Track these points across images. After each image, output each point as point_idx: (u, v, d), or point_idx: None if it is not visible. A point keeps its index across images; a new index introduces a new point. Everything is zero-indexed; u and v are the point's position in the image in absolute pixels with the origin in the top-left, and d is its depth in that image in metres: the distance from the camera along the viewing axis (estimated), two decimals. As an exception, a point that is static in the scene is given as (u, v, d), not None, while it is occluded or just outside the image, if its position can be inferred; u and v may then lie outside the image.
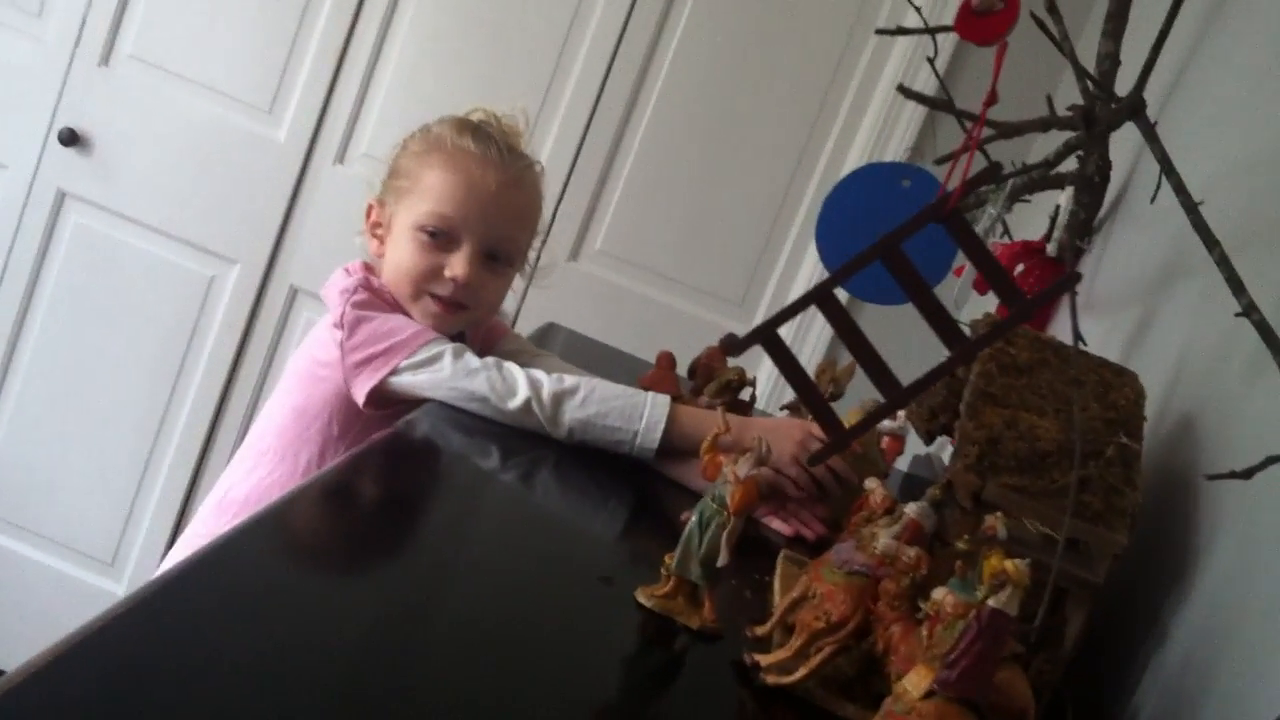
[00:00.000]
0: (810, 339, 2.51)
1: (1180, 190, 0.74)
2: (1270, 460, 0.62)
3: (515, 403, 1.30)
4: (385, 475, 1.14)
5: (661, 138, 2.54)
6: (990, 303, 1.64)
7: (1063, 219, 1.50)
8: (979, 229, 1.18)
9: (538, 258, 1.64)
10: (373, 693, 0.70)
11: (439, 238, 1.44)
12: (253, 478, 1.47)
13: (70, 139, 2.55)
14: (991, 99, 0.58)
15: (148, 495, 2.64)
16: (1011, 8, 0.64)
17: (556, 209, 2.55)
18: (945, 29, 0.85)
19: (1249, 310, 0.67)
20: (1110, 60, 1.41)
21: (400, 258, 1.46)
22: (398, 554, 0.96)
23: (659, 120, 2.53)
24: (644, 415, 1.31)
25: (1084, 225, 1.49)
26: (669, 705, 0.89)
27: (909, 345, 1.10)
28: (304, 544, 0.94)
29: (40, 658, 0.61)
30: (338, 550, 0.94)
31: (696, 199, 2.55)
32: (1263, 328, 0.66)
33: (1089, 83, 1.09)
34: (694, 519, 0.94)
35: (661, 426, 1.30)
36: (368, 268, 1.51)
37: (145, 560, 2.65)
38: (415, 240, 1.45)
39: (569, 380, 1.33)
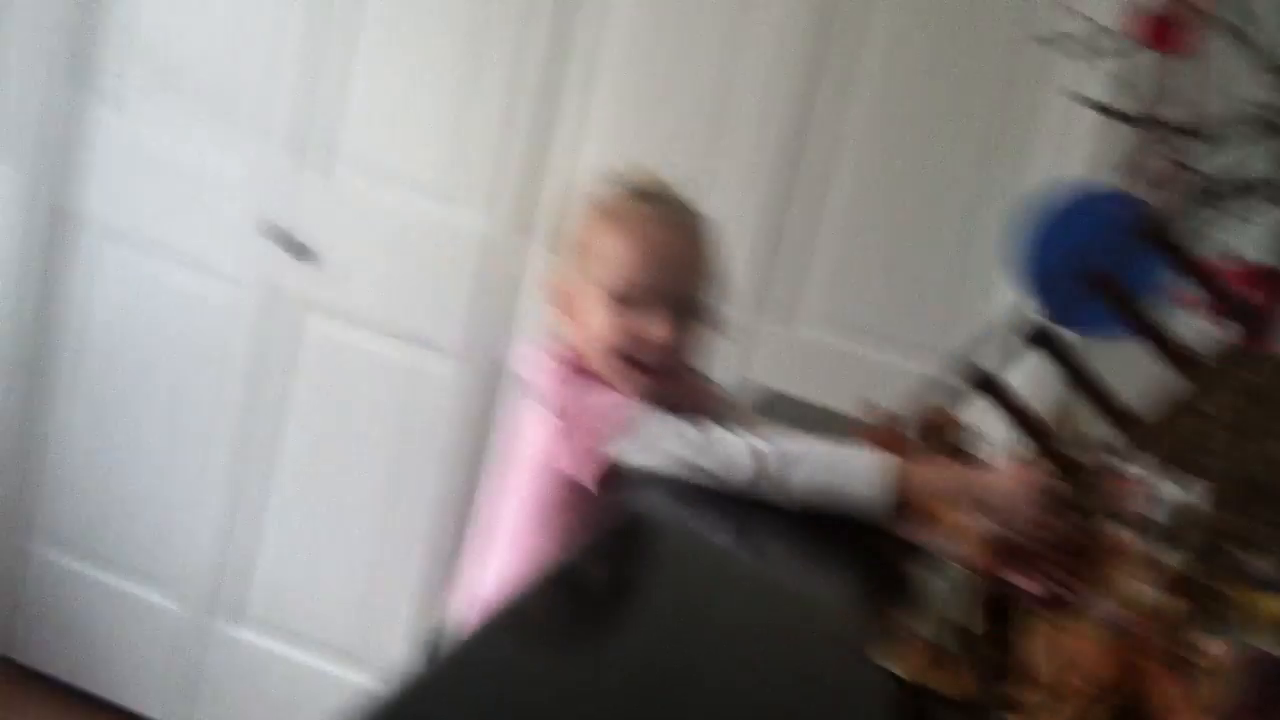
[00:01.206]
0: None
1: None
2: None
3: (742, 473, 1.30)
4: (618, 559, 1.15)
5: (863, 198, 2.51)
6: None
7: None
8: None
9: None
10: None
11: (629, 302, 1.45)
12: (494, 573, 1.52)
13: (296, 250, 2.69)
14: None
15: (401, 589, 2.73)
16: (1196, 14, 0.61)
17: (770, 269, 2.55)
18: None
19: None
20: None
21: (594, 330, 1.47)
22: (641, 636, 0.97)
23: (858, 181, 2.51)
24: (871, 474, 1.29)
25: None
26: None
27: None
28: (548, 634, 0.96)
29: None
30: (583, 637, 0.96)
31: (902, 254, 2.51)
32: None
33: None
34: (943, 584, 0.92)
35: (890, 483, 1.27)
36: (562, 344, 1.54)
37: (397, 650, 2.74)
38: (606, 308, 1.46)
39: (789, 444, 1.32)
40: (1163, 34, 0.61)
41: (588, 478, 1.38)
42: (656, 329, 1.45)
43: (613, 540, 1.17)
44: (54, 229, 2.87)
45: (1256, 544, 0.81)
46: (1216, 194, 0.86)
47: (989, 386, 1.01)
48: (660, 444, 1.34)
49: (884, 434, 1.40)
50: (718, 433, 1.34)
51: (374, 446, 2.72)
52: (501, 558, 1.52)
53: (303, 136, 2.71)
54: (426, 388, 2.70)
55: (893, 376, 2.47)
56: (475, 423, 2.67)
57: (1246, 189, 0.87)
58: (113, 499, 2.93)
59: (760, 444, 1.31)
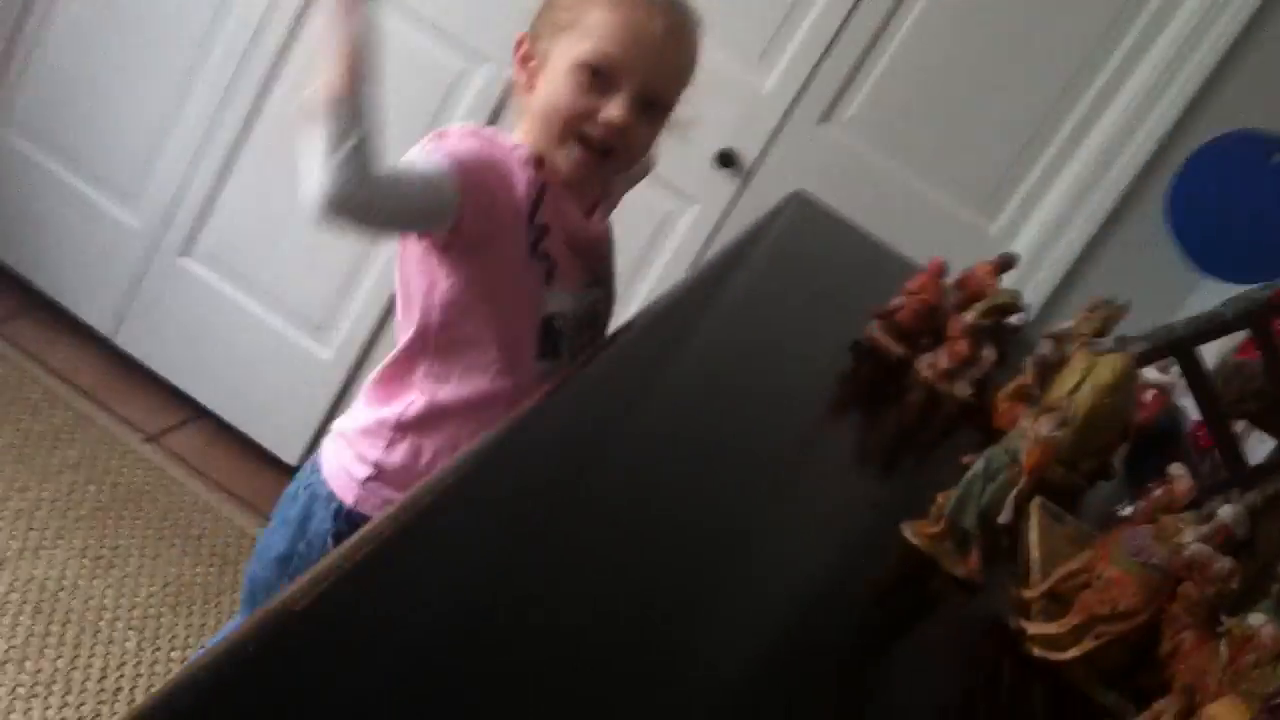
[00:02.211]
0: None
1: None
2: None
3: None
4: (610, 389, 1.11)
5: (938, 19, 2.41)
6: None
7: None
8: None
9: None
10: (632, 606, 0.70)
11: (599, 78, 1.36)
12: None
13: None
14: None
15: (366, 271, 2.69)
16: None
17: (818, 66, 2.46)
18: None
19: None
20: None
21: (554, 95, 1.37)
22: (646, 470, 0.95)
23: (938, 3, 2.40)
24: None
25: None
26: (921, 647, 0.88)
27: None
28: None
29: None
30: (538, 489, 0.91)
31: (964, 87, 2.43)
32: None
33: None
34: (979, 465, 0.91)
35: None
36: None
37: (354, 333, 2.72)
38: (573, 78, 1.36)
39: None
40: None
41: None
42: (614, 111, 1.36)
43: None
44: None
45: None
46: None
47: (1179, 350, 0.97)
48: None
49: (926, 281, 1.36)
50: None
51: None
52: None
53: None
54: (437, 81, 2.60)
55: (918, 205, 2.47)
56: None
57: None
58: (93, 107, 2.80)
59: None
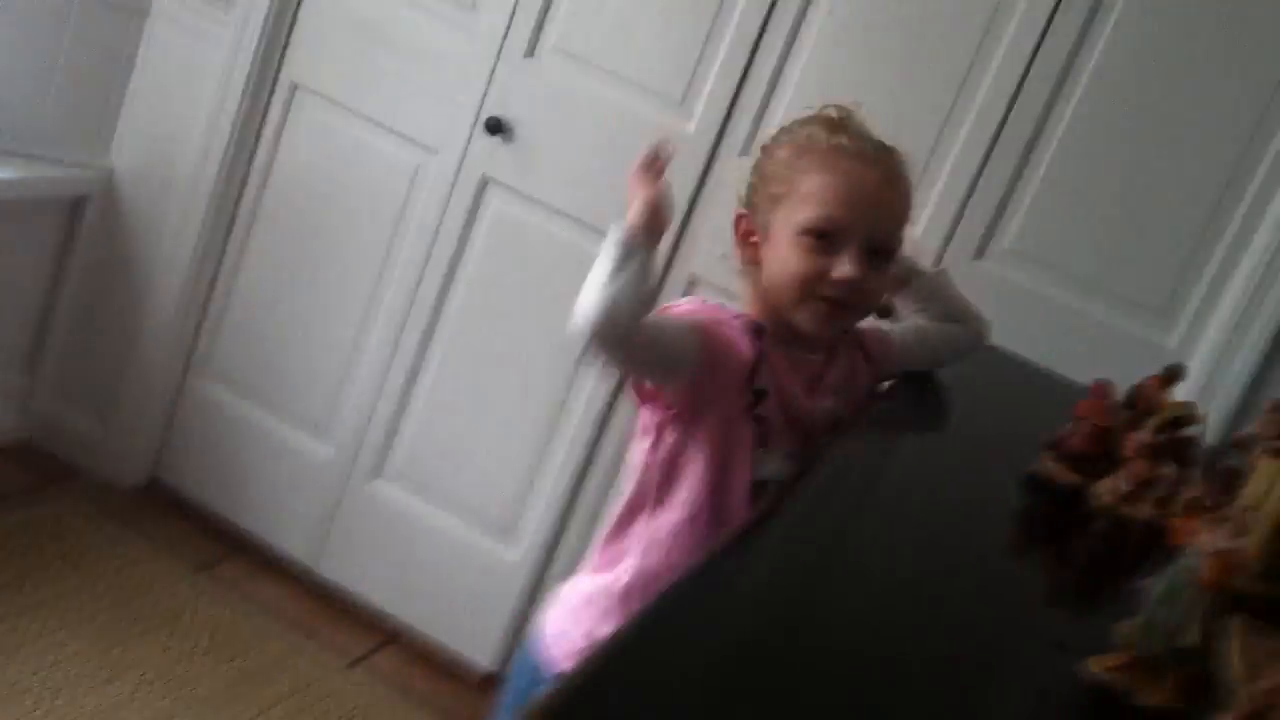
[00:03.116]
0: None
1: None
2: None
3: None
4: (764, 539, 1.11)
5: (1085, 135, 2.39)
6: None
7: None
8: None
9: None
10: None
11: (825, 240, 1.42)
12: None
13: (495, 127, 2.69)
14: None
15: (547, 469, 2.77)
16: None
17: (967, 202, 2.46)
18: None
19: None
20: None
21: (785, 263, 1.44)
22: (820, 618, 0.94)
23: (1083, 114, 2.39)
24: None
25: None
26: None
27: None
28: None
29: None
30: (724, 635, 0.92)
31: (1119, 200, 2.39)
32: None
33: None
34: (1160, 587, 0.87)
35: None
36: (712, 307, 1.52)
37: (539, 529, 2.78)
38: (799, 245, 1.43)
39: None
40: None
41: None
42: (847, 268, 1.42)
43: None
44: (262, 88, 2.91)
45: None
46: None
47: None
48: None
49: (1095, 405, 1.33)
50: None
51: (543, 326, 2.73)
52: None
53: (510, 15, 2.69)
54: (397, 175, 2.77)
55: (1092, 330, 2.41)
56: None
57: None
58: (283, 346, 3.01)
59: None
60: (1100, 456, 1.33)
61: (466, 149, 2.76)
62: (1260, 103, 2.29)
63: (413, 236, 2.83)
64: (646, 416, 1.47)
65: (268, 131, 2.94)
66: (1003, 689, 0.91)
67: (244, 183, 2.97)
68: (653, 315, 1.36)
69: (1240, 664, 0.93)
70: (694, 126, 2.58)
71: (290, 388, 3.01)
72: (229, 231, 3.00)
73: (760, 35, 2.53)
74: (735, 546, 1.01)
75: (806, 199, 1.43)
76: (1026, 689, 0.91)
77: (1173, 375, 1.40)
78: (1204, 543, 0.84)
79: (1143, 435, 1.31)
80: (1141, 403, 1.38)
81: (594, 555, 1.55)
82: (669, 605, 0.83)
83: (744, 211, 1.51)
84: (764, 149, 1.53)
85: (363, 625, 2.89)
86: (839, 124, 1.49)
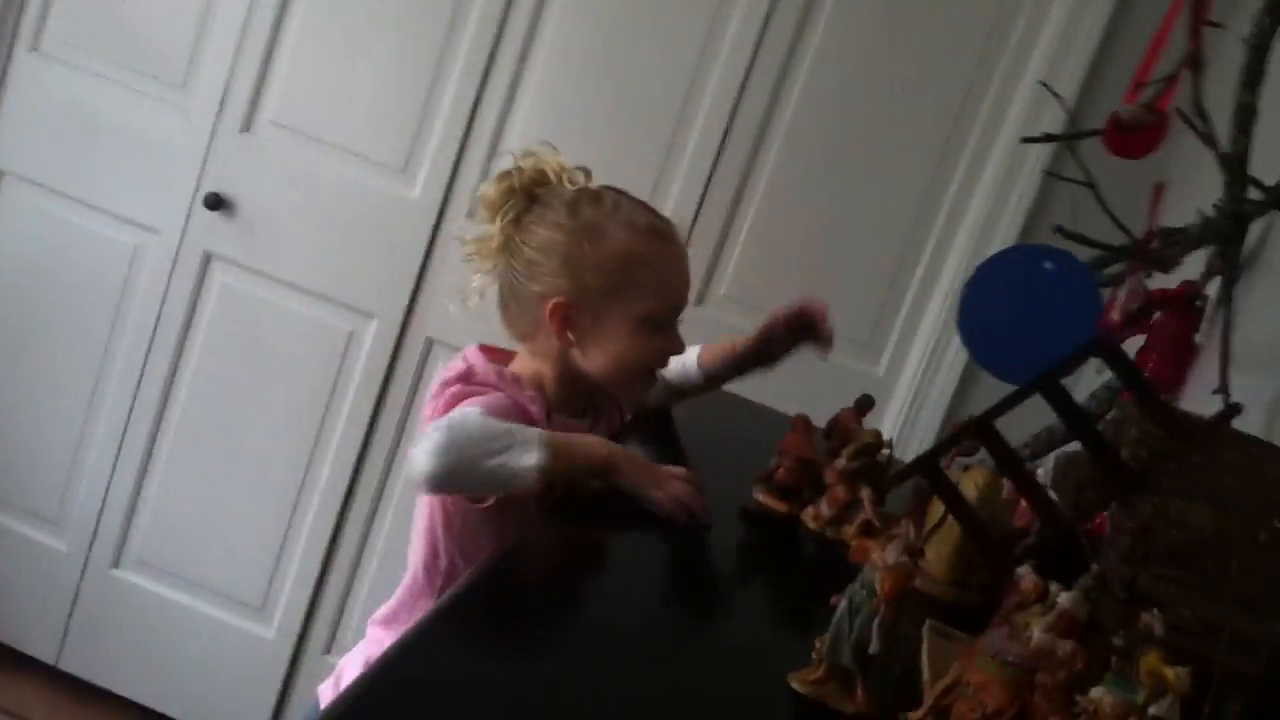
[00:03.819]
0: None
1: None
2: None
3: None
4: (513, 583, 1.15)
5: (785, 185, 2.56)
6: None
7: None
8: (1120, 298, 1.18)
9: None
10: None
11: (662, 324, 1.51)
12: (399, 591, 1.55)
13: (215, 204, 2.65)
14: (1149, 238, 0.59)
15: (294, 543, 2.73)
16: (1161, 122, 0.65)
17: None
18: (1094, 133, 0.85)
19: None
20: (1248, 111, 1.39)
21: (622, 352, 1.50)
22: (551, 655, 0.98)
23: (782, 168, 2.55)
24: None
25: (1229, 276, 1.47)
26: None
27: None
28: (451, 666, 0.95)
29: None
30: (478, 670, 0.95)
31: (820, 245, 2.56)
32: None
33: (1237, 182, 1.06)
34: (844, 604, 0.95)
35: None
36: (487, 351, 1.54)
37: (292, 605, 2.73)
38: (638, 332, 1.50)
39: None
40: (1124, 140, 0.64)
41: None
42: (678, 343, 1.54)
43: (501, 573, 1.15)
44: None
45: (1156, 601, 0.85)
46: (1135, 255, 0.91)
47: (983, 431, 1.03)
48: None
49: (796, 439, 1.43)
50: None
51: (280, 399, 2.70)
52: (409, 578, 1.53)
53: (224, 92, 2.66)
54: (337, 346, 2.68)
55: (805, 364, 2.55)
56: (383, 381, 2.67)
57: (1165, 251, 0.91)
58: (3, 441, 2.86)
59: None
60: (805, 485, 1.43)
61: (186, 226, 2.71)
62: (936, 151, 2.50)
63: (136, 318, 2.75)
64: (441, 504, 1.45)
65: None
66: (726, 709, 0.97)
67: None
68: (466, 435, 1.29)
69: (928, 665, 1.02)
70: (418, 193, 2.62)
71: (19, 483, 2.87)
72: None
73: (478, 100, 2.59)
74: (466, 596, 1.04)
75: (643, 292, 1.49)
76: (735, 710, 0.97)
77: (863, 406, 1.51)
78: (876, 560, 0.93)
79: (839, 463, 1.41)
80: (838, 433, 1.48)
81: (374, 629, 1.56)
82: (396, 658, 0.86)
83: (561, 301, 1.48)
84: (568, 238, 1.50)
85: (117, 715, 2.77)
86: (643, 209, 1.55)
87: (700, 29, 2.52)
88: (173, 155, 2.70)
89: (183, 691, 2.79)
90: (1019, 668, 0.84)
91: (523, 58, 2.58)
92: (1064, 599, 0.86)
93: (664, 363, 1.55)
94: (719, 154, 2.55)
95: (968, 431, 0.92)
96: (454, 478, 1.26)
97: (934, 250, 2.55)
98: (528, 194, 1.53)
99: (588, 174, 1.57)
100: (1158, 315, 1.61)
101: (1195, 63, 0.68)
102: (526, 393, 1.48)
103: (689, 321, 1.85)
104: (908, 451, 2.13)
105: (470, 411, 1.31)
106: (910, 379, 2.54)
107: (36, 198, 2.78)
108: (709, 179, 2.56)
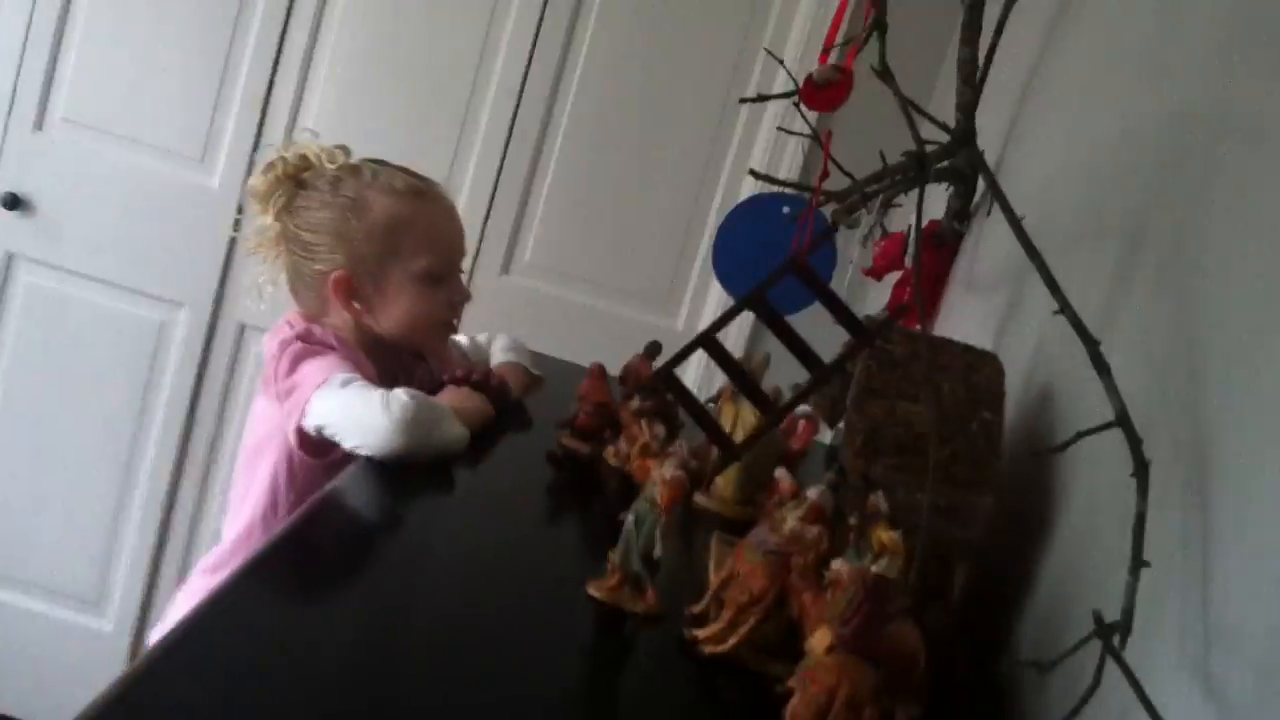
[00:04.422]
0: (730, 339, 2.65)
1: (1006, 209, 0.87)
2: (1078, 435, 0.76)
3: (396, 428, 1.32)
4: (339, 524, 1.23)
5: (578, 153, 2.66)
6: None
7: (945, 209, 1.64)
8: (860, 234, 1.32)
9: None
10: (361, 703, 0.82)
11: (442, 278, 1.59)
12: (230, 532, 1.58)
13: (12, 203, 2.61)
14: (824, 176, 0.71)
15: (125, 534, 2.73)
16: (847, 78, 0.76)
17: (485, 226, 2.65)
18: (793, 93, 0.96)
19: (1063, 308, 0.80)
20: (970, 65, 1.55)
21: (411, 308, 1.58)
22: (366, 589, 1.07)
23: (573, 137, 2.65)
24: (451, 416, 1.39)
25: (960, 213, 1.63)
26: (625, 682, 1.02)
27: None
28: (279, 599, 1.03)
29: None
30: (307, 599, 1.03)
31: (616, 207, 2.68)
32: (1075, 323, 0.79)
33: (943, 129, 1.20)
34: (630, 518, 1.06)
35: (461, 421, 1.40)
36: (307, 318, 1.60)
37: (128, 595, 2.73)
38: (419, 289, 1.57)
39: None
40: (818, 95, 0.75)
41: (295, 443, 1.45)
42: (461, 290, 1.62)
43: (327, 510, 1.22)
44: None
45: (879, 483, 0.99)
46: (866, 195, 1.03)
47: (707, 342, 1.16)
48: (339, 400, 1.38)
49: (593, 385, 1.53)
50: (379, 392, 1.37)
51: (98, 390, 2.68)
52: (238, 520, 1.57)
53: (13, 91, 2.62)
54: (150, 336, 2.68)
55: (610, 322, 2.67)
56: (198, 368, 2.68)
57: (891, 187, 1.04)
58: None
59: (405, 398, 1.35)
60: (604, 427, 1.54)
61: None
62: (715, 116, 2.63)
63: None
64: (286, 458, 1.50)
65: None
66: (534, 627, 1.07)
67: None
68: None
69: (713, 566, 1.14)
70: (217, 182, 2.63)
71: None
72: None
73: (270, 89, 2.62)
74: (281, 545, 1.11)
75: (416, 250, 1.56)
76: (543, 619, 1.08)
77: (651, 351, 1.62)
78: (655, 475, 1.04)
79: (632, 404, 1.52)
80: (630, 378, 1.59)
81: (198, 579, 1.59)
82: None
83: (341, 275, 1.55)
84: (319, 216, 1.57)
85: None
86: (400, 171, 1.61)
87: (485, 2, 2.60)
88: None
89: (24, 690, 2.76)
90: (777, 554, 0.96)
91: (313, 40, 2.61)
92: (811, 492, 0.99)
93: (454, 313, 1.62)
94: (512, 125, 2.64)
95: (692, 348, 1.04)
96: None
97: (720, 207, 2.68)
98: (294, 180, 1.59)
99: (347, 152, 1.63)
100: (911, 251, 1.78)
101: (879, 26, 0.80)
102: (357, 357, 1.55)
103: (496, 291, 1.95)
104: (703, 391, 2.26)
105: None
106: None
107: None
108: (505, 150, 2.64)
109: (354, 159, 1.63)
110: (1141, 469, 0.72)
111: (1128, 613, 0.67)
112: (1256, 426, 0.70)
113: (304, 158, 1.60)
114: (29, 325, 2.69)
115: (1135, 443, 0.73)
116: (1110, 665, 0.69)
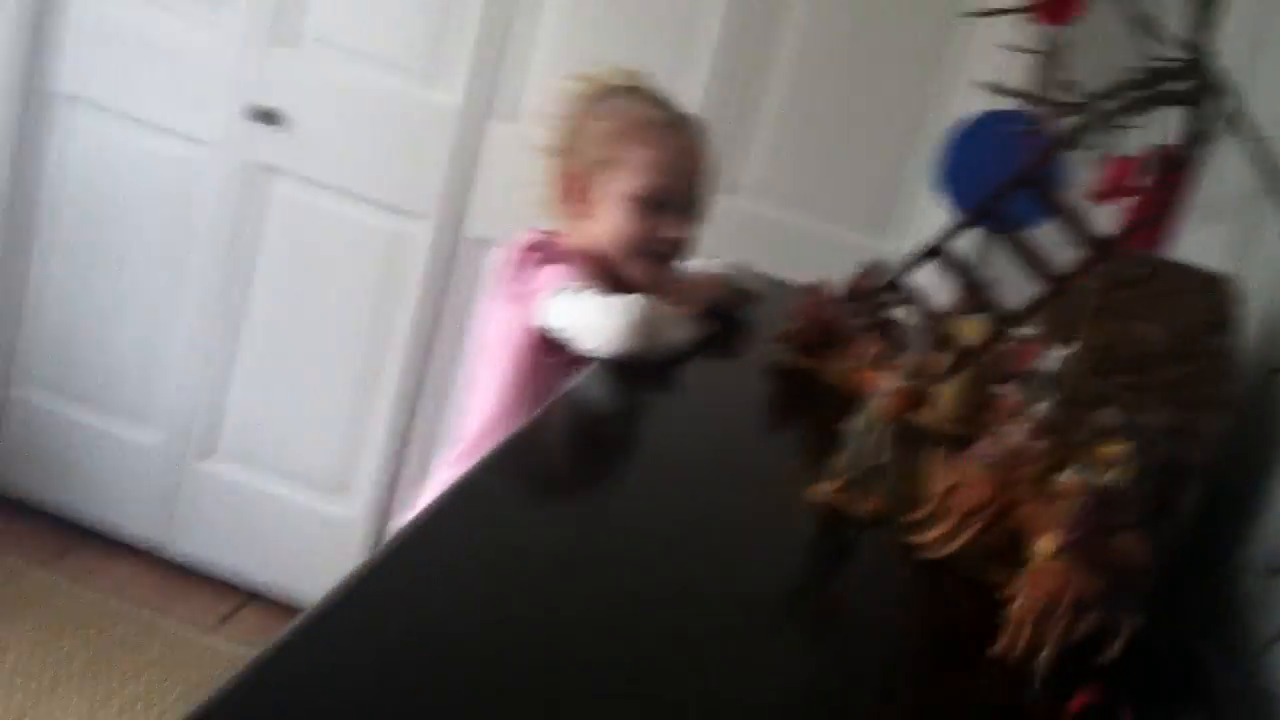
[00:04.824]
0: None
1: (1243, 130, 0.85)
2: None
3: (626, 329, 1.40)
4: (575, 424, 1.29)
5: (799, 76, 2.64)
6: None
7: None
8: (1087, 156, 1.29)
9: None
10: (588, 595, 0.87)
11: (652, 204, 1.62)
12: (470, 428, 1.68)
13: (267, 117, 2.77)
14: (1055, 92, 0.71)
15: (373, 429, 2.90)
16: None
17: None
18: (1026, 9, 0.95)
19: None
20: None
21: (616, 225, 1.63)
22: (597, 487, 1.13)
23: (794, 58, 2.64)
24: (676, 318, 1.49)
25: (1196, 135, 1.58)
26: (846, 581, 1.06)
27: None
28: (515, 495, 1.09)
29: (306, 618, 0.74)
30: (543, 496, 1.10)
31: (834, 132, 2.65)
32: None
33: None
34: (858, 424, 1.09)
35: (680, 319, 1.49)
36: (545, 233, 1.68)
37: (373, 485, 2.91)
38: (630, 208, 1.62)
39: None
40: (1051, 9, 0.74)
41: (532, 343, 1.54)
42: (676, 229, 1.64)
43: (561, 413, 1.29)
44: (28, 99, 2.93)
45: (1109, 400, 0.99)
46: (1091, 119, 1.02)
47: (939, 254, 1.18)
48: (576, 306, 1.46)
49: (810, 299, 1.55)
50: (614, 297, 1.45)
51: (344, 302, 2.86)
52: (477, 416, 1.67)
53: (272, 10, 2.76)
54: (392, 251, 2.82)
55: (828, 246, 2.66)
56: (437, 284, 2.81)
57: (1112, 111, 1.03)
58: (87, 343, 3.04)
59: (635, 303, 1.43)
60: (822, 342, 1.57)
61: (240, 140, 2.83)
62: (941, 22, 2.56)
63: (205, 226, 2.89)
64: (528, 357, 1.58)
65: (45, 141, 2.95)
66: (757, 528, 1.12)
67: (31, 196, 2.98)
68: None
69: (936, 476, 1.17)
70: (460, 100, 2.73)
71: (110, 385, 3.05)
72: (27, 246, 3.01)
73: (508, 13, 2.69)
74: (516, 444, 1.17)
75: (634, 170, 1.62)
76: (775, 523, 1.12)
77: (876, 269, 1.64)
78: (883, 387, 1.07)
79: (855, 320, 1.54)
80: (854, 294, 1.61)
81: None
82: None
83: (567, 172, 1.66)
84: (577, 116, 1.68)
85: (218, 593, 2.99)
86: (650, 96, 1.68)
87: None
88: (222, 71, 2.81)
89: (275, 570, 2.99)
90: (1001, 465, 0.98)
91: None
92: (1038, 409, 1.00)
93: (659, 247, 1.64)
94: (732, 46, 2.64)
95: (925, 257, 1.06)
96: (642, 351, 1.41)
97: (941, 127, 2.62)
98: (589, 97, 1.69)
99: (637, 77, 1.71)
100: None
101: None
102: (590, 268, 1.62)
103: (717, 213, 1.97)
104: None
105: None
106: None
107: (94, 118, 2.92)
108: (729, 81, 2.65)
109: (638, 84, 1.70)
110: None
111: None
112: None
113: (597, 75, 1.69)
114: (283, 233, 2.87)
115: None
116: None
